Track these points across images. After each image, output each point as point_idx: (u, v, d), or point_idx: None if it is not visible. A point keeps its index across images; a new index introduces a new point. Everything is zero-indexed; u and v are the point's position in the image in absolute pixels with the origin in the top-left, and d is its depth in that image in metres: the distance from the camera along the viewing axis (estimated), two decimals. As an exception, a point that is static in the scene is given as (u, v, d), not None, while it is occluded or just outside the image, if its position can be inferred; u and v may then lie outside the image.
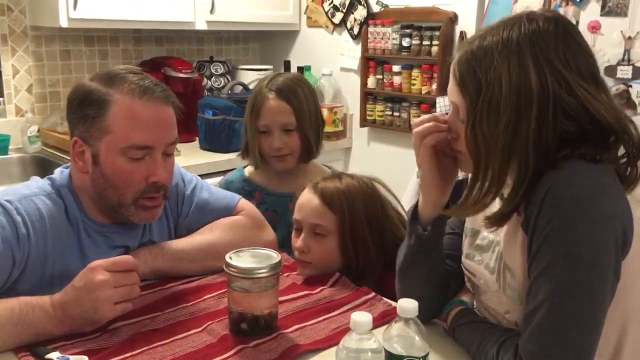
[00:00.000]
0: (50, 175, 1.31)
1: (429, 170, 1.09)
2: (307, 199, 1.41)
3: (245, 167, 1.85)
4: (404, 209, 1.52)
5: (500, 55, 0.95)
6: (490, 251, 1.08)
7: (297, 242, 1.41)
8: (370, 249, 1.39)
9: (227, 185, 1.77)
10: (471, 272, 1.14)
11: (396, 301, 0.97)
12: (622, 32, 2.00)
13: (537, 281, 0.92)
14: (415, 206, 1.14)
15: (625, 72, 2.01)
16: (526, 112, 0.93)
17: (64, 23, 2.46)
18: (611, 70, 2.03)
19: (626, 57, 2.01)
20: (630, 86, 2.01)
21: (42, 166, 2.58)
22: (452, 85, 1.03)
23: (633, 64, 1.99)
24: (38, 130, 2.69)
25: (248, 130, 1.74)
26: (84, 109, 1.22)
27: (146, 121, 1.22)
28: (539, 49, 0.95)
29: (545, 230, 0.91)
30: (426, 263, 1.14)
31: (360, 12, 2.94)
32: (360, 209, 1.38)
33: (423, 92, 2.74)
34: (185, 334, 1.12)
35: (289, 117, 1.68)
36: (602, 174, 0.93)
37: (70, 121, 1.26)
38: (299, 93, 1.70)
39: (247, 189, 1.76)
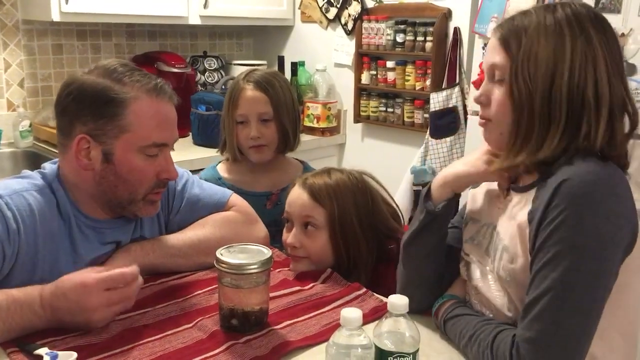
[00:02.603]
0: (41, 170, 1.30)
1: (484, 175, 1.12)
2: (297, 194, 1.41)
3: (217, 165, 1.87)
4: (396, 203, 1.52)
5: (537, 17, 1.01)
6: (489, 234, 1.11)
7: (288, 237, 1.41)
8: (361, 243, 1.39)
9: None
10: (467, 253, 1.16)
11: (388, 297, 0.97)
12: (615, 28, 2.00)
13: (542, 271, 0.94)
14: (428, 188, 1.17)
15: (618, 68, 2.02)
16: (562, 63, 0.97)
17: (56, 17, 2.44)
18: (604, 67, 2.04)
19: (619, 54, 2.01)
20: (623, 83, 2.02)
21: (34, 161, 2.56)
22: (492, 45, 1.06)
23: (626, 61, 1.99)
24: (30, 125, 2.67)
25: (226, 122, 1.77)
26: (99, 107, 1.20)
27: (164, 120, 1.26)
28: (578, 27, 0.99)
29: (554, 222, 0.93)
30: (433, 237, 1.17)
31: (354, 8, 2.94)
32: (349, 204, 1.38)
33: (417, 88, 2.73)
34: (176, 330, 1.12)
35: (266, 106, 1.72)
36: (614, 174, 0.96)
37: (74, 118, 1.22)
38: (276, 85, 1.75)
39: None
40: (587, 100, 0.97)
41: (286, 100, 1.75)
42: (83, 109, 1.21)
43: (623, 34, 1.99)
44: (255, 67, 1.90)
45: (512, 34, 1.02)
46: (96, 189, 1.25)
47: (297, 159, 1.90)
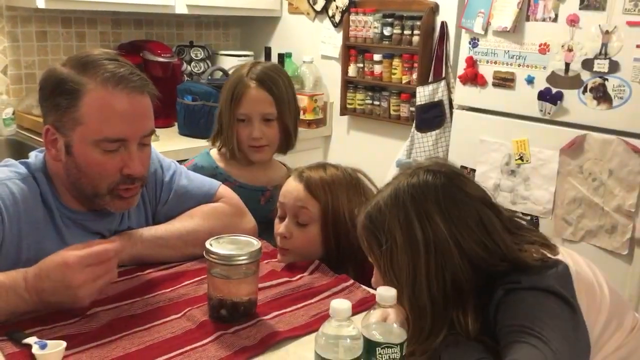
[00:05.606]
0: (25, 160, 1.29)
1: None
2: (292, 186, 1.42)
3: (209, 152, 1.80)
4: None
5: (390, 212, 1.06)
6: None
7: (280, 227, 1.41)
8: (352, 240, 1.39)
9: (196, 171, 1.70)
10: None
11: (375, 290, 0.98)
12: (600, 26, 2.02)
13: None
14: None
15: (601, 65, 2.04)
16: (418, 261, 1.03)
17: (40, 3, 2.41)
18: (588, 63, 2.06)
19: (603, 51, 2.03)
20: (607, 80, 2.04)
21: (18, 149, 2.53)
22: (364, 248, 1.14)
23: (610, 58, 2.02)
24: (13, 113, 2.64)
25: (225, 117, 1.72)
26: (56, 97, 1.19)
27: (120, 113, 1.18)
28: (419, 202, 1.05)
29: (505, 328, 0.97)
30: None
31: (342, 0, 2.94)
32: (343, 200, 1.40)
33: (403, 81, 2.75)
34: (165, 320, 1.12)
35: (270, 107, 1.68)
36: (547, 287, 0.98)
37: (43, 108, 1.23)
38: (280, 83, 1.70)
39: (219, 178, 1.71)
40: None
41: (289, 98, 1.72)
42: (47, 99, 1.21)
43: (607, 32, 2.01)
44: (257, 60, 1.85)
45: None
46: (67, 180, 1.24)
47: (280, 162, 1.86)
